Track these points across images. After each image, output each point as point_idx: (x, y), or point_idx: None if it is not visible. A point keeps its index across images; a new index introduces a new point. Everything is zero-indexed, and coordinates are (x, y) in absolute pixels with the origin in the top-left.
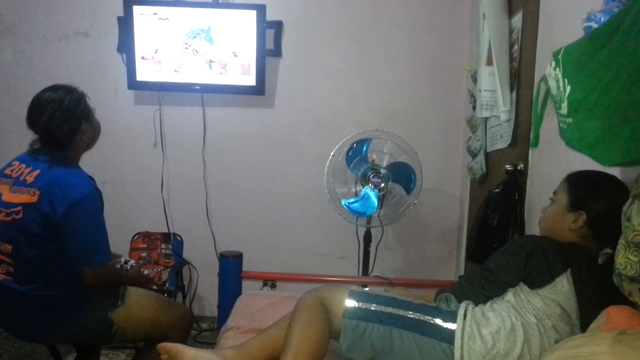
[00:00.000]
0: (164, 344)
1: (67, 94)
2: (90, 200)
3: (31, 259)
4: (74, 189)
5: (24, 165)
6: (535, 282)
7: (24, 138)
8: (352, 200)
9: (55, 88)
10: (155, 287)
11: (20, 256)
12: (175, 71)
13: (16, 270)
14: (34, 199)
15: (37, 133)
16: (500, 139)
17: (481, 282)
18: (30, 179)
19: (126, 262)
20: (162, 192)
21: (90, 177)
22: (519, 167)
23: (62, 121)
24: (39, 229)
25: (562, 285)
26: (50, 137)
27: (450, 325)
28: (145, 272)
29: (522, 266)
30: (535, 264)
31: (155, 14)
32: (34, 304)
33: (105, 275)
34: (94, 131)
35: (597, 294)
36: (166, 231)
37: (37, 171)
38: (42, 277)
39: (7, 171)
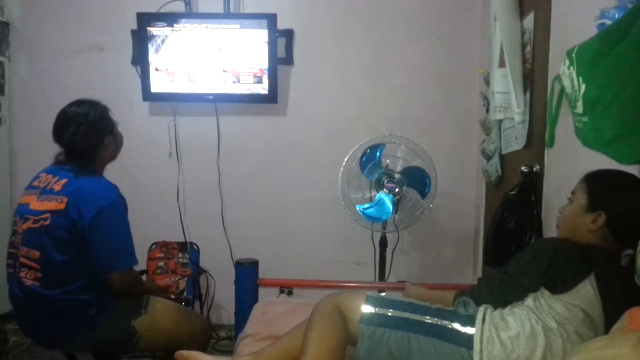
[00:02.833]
0: (182, 351)
1: (91, 108)
2: (116, 207)
3: (58, 265)
4: (101, 196)
5: (50, 176)
6: (557, 287)
7: (42, 151)
8: (366, 205)
9: (79, 103)
10: (172, 297)
11: (47, 262)
12: (189, 82)
13: (43, 276)
14: (62, 205)
15: (63, 146)
16: (514, 140)
17: (501, 286)
18: (57, 187)
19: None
20: (178, 201)
21: (115, 186)
22: (534, 169)
23: (87, 135)
24: (66, 234)
25: (586, 291)
26: (75, 150)
27: (469, 330)
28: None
29: (543, 270)
30: (557, 269)
31: (168, 26)
32: (59, 309)
33: (131, 280)
34: (117, 143)
35: (622, 298)
36: (183, 240)
37: (64, 180)
38: (69, 283)
39: (35, 183)
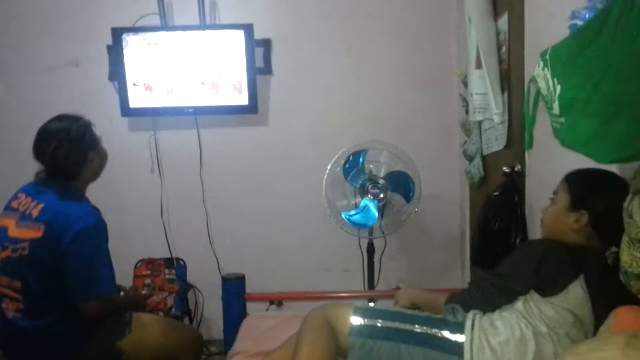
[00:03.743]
0: None
1: (73, 124)
2: (95, 231)
3: (39, 294)
4: (78, 220)
5: (29, 199)
6: (547, 290)
7: (20, 170)
8: (352, 212)
9: (60, 118)
10: (161, 313)
11: (29, 292)
12: (168, 95)
13: (25, 307)
14: (39, 234)
15: (44, 164)
16: (495, 141)
17: (490, 290)
18: (35, 213)
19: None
20: (162, 217)
21: (95, 208)
22: (516, 169)
23: (70, 151)
24: (45, 263)
25: (576, 292)
26: (57, 167)
27: (459, 337)
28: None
29: (532, 273)
30: (546, 271)
31: (144, 39)
32: (43, 340)
33: (106, 308)
34: (101, 160)
35: (610, 297)
36: (169, 256)
37: (42, 205)
38: (51, 312)
39: (14, 204)
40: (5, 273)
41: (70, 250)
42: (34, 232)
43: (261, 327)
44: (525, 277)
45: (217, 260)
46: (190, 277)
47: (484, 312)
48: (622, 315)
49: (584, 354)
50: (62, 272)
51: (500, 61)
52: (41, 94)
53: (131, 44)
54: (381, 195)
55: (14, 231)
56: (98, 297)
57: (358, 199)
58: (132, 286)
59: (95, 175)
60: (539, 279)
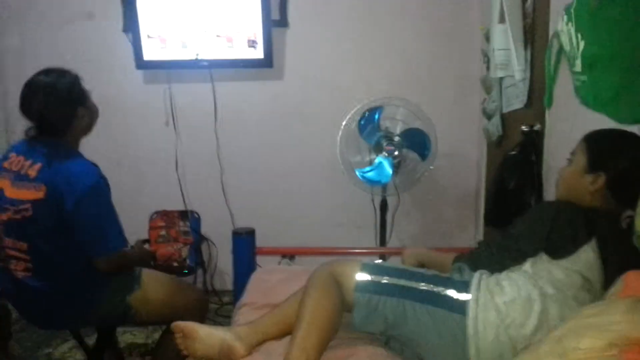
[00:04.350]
0: (178, 322)
1: (60, 78)
2: (97, 189)
3: (48, 254)
4: (80, 181)
5: (22, 158)
6: (558, 252)
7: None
8: (366, 169)
9: (47, 72)
10: (176, 264)
11: (36, 252)
12: (182, 48)
13: (34, 266)
14: (41, 194)
15: (32, 120)
16: (516, 99)
17: (500, 250)
18: (32, 173)
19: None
20: (176, 170)
21: (94, 164)
22: (535, 128)
23: (57, 106)
24: (51, 223)
25: (587, 255)
26: (46, 123)
27: (464, 296)
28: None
29: (543, 236)
30: (558, 234)
31: None
32: (54, 298)
33: (119, 264)
34: (92, 115)
35: (622, 261)
36: (183, 209)
37: (39, 164)
38: (61, 270)
39: (6, 164)
40: (9, 235)
41: (75, 211)
42: (35, 193)
43: (270, 281)
44: (536, 239)
45: (231, 214)
46: (204, 230)
47: (492, 272)
48: (630, 280)
49: (588, 318)
50: (69, 231)
51: (525, 15)
52: (56, 45)
53: None
54: (396, 153)
55: (11, 192)
56: (108, 253)
57: (373, 156)
58: (137, 241)
59: (87, 130)
60: (550, 241)
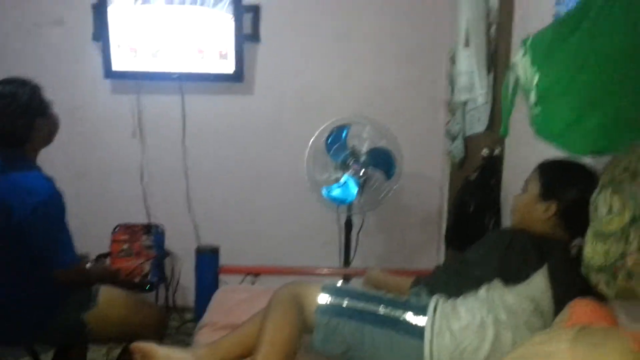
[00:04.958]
0: (137, 343)
1: (20, 88)
2: (51, 202)
3: (1, 264)
4: (33, 194)
5: None
6: (511, 278)
7: None
8: (332, 187)
9: (7, 82)
10: (137, 280)
11: None
12: (152, 59)
13: None
14: None
15: None
16: (477, 122)
17: (456, 276)
18: None
19: (98, 259)
20: (141, 182)
21: (49, 178)
22: (495, 152)
23: (16, 117)
24: (2, 235)
25: (539, 282)
26: (3, 133)
27: (421, 321)
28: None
29: (498, 263)
30: (511, 261)
31: (130, 1)
32: (7, 309)
33: (72, 277)
34: (51, 126)
35: (572, 289)
36: (147, 222)
37: None
38: (14, 281)
39: None
40: None
41: (28, 225)
42: None
43: (232, 300)
44: (491, 266)
45: (196, 229)
46: (168, 244)
47: (449, 296)
48: (576, 308)
49: (534, 346)
50: (20, 244)
51: (489, 41)
52: (23, 51)
53: (116, 3)
54: (362, 172)
55: None
56: (64, 267)
57: (339, 174)
58: (97, 256)
59: (47, 141)
60: (503, 268)
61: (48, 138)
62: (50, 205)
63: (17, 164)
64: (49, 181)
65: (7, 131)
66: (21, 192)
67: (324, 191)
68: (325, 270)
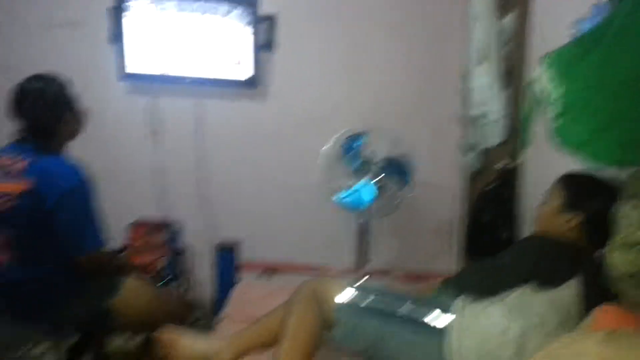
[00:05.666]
0: (163, 332)
1: (49, 84)
2: (80, 189)
3: (30, 246)
4: (63, 179)
5: (10, 157)
6: (543, 285)
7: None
8: (344, 194)
9: (37, 78)
10: (152, 275)
11: (18, 243)
12: (167, 64)
13: (16, 257)
14: (24, 187)
15: (21, 123)
16: (492, 136)
17: (487, 278)
18: (18, 169)
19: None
20: (156, 183)
21: (79, 166)
22: (511, 165)
23: (45, 111)
24: (31, 217)
25: (570, 290)
26: (33, 127)
27: (446, 320)
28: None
29: (531, 268)
30: (545, 267)
31: (146, 5)
32: (35, 292)
33: (98, 263)
34: (78, 121)
35: (600, 298)
36: (163, 219)
37: (25, 161)
38: (42, 263)
39: None
40: None
41: (56, 209)
42: (19, 186)
43: (251, 295)
44: (524, 270)
45: (210, 227)
46: (183, 242)
47: (475, 298)
48: (600, 314)
49: (560, 348)
50: (48, 227)
51: (504, 58)
52: (39, 53)
53: (133, 7)
54: (375, 180)
55: None
56: (88, 253)
57: (352, 181)
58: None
59: (72, 136)
60: (536, 274)
61: (75, 132)
62: (78, 191)
63: (47, 153)
64: (77, 169)
65: (37, 124)
66: (52, 179)
67: (336, 197)
68: (340, 270)
